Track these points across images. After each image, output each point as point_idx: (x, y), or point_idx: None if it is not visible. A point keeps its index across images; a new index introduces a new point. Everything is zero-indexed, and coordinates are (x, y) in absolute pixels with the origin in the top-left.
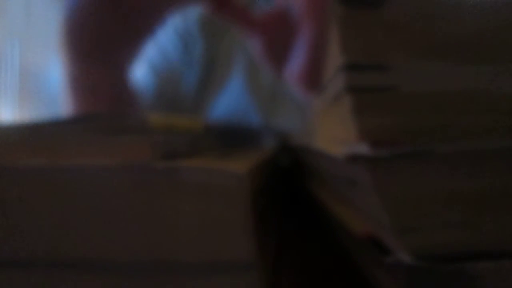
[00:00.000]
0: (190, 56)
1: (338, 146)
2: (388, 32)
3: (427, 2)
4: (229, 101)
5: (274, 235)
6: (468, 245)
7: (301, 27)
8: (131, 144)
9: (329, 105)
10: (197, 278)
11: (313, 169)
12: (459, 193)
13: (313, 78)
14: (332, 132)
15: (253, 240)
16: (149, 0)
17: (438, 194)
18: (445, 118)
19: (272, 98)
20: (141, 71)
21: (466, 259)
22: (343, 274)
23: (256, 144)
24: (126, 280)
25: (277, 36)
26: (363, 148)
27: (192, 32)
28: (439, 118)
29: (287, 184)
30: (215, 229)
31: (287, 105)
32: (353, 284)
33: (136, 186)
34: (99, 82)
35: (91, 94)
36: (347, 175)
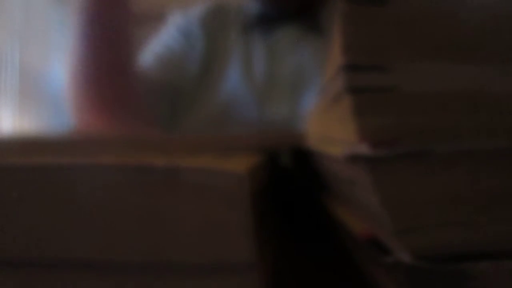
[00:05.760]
0: (193, 51)
1: (338, 146)
2: (391, 31)
3: (430, 1)
4: (227, 89)
5: (274, 235)
6: (468, 245)
7: None
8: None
9: (329, 105)
10: (197, 278)
11: (313, 169)
12: (459, 193)
13: None
14: (332, 132)
15: (254, 241)
16: None
17: (438, 194)
18: (445, 118)
19: (265, 87)
20: (147, 62)
21: (466, 259)
22: (343, 274)
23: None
24: (126, 280)
25: None
26: (363, 148)
27: (193, 29)
28: (440, 118)
29: (287, 184)
30: (215, 229)
31: (280, 93)
32: (353, 284)
33: (136, 186)
34: None
35: None
36: (347, 175)
